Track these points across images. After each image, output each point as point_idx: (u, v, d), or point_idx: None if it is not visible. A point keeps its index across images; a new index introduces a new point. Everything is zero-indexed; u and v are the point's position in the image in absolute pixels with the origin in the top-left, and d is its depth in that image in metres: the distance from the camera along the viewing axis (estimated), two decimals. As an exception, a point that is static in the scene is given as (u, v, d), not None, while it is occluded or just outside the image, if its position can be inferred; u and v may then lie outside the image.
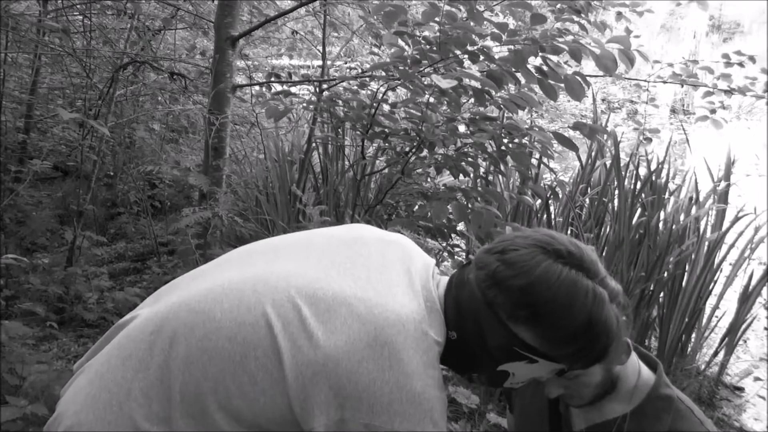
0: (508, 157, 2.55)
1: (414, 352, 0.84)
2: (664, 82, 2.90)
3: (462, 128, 2.60)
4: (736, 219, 3.22)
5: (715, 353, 3.18)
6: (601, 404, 1.14)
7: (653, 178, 3.29)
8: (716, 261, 3.09)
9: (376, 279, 0.91)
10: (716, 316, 3.34)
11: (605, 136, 2.93)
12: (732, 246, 3.22)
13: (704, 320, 3.22)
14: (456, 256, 2.83)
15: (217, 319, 0.87)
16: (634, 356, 1.15)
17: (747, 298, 3.11)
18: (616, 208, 3.29)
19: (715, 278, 3.10)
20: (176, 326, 0.88)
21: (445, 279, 1.00)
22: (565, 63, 2.53)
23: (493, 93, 2.38)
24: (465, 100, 2.68)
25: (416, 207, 3.05)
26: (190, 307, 0.89)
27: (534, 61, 2.31)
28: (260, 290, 0.89)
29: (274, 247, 1.03)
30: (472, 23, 2.29)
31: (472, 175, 3.05)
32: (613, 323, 0.89)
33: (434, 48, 2.36)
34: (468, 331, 0.91)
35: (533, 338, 0.88)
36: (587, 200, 3.70)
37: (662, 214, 3.22)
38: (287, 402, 0.84)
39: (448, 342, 0.92)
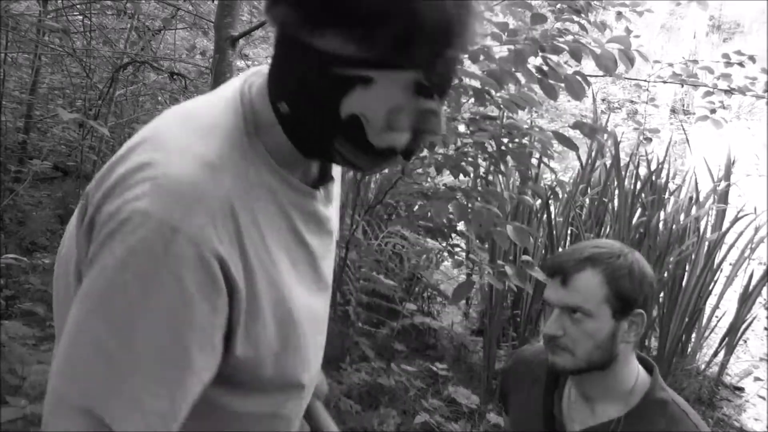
0: (508, 157, 2.55)
1: (182, 128, 0.70)
2: (664, 82, 2.90)
3: (462, 128, 2.60)
4: (736, 219, 3.22)
5: (715, 353, 3.18)
6: (596, 406, 1.14)
7: (653, 178, 3.29)
8: (716, 261, 3.10)
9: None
10: (716, 316, 3.34)
11: (605, 136, 2.93)
12: (732, 246, 3.22)
13: (704, 320, 3.22)
14: (456, 256, 2.83)
15: None
16: (634, 359, 1.15)
17: (747, 298, 3.11)
18: (616, 208, 3.29)
19: (715, 278, 3.10)
20: None
21: None
22: (565, 63, 2.53)
23: (493, 93, 2.38)
24: (465, 100, 2.68)
25: (416, 207, 3.04)
26: None
27: (534, 61, 2.31)
28: None
29: None
30: (472, 23, 2.29)
31: (472, 174, 3.05)
32: None
33: (434, 48, 2.35)
34: (286, 83, 0.71)
35: (341, 43, 0.66)
36: (587, 200, 3.70)
37: (662, 214, 3.23)
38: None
39: (285, 119, 0.72)
